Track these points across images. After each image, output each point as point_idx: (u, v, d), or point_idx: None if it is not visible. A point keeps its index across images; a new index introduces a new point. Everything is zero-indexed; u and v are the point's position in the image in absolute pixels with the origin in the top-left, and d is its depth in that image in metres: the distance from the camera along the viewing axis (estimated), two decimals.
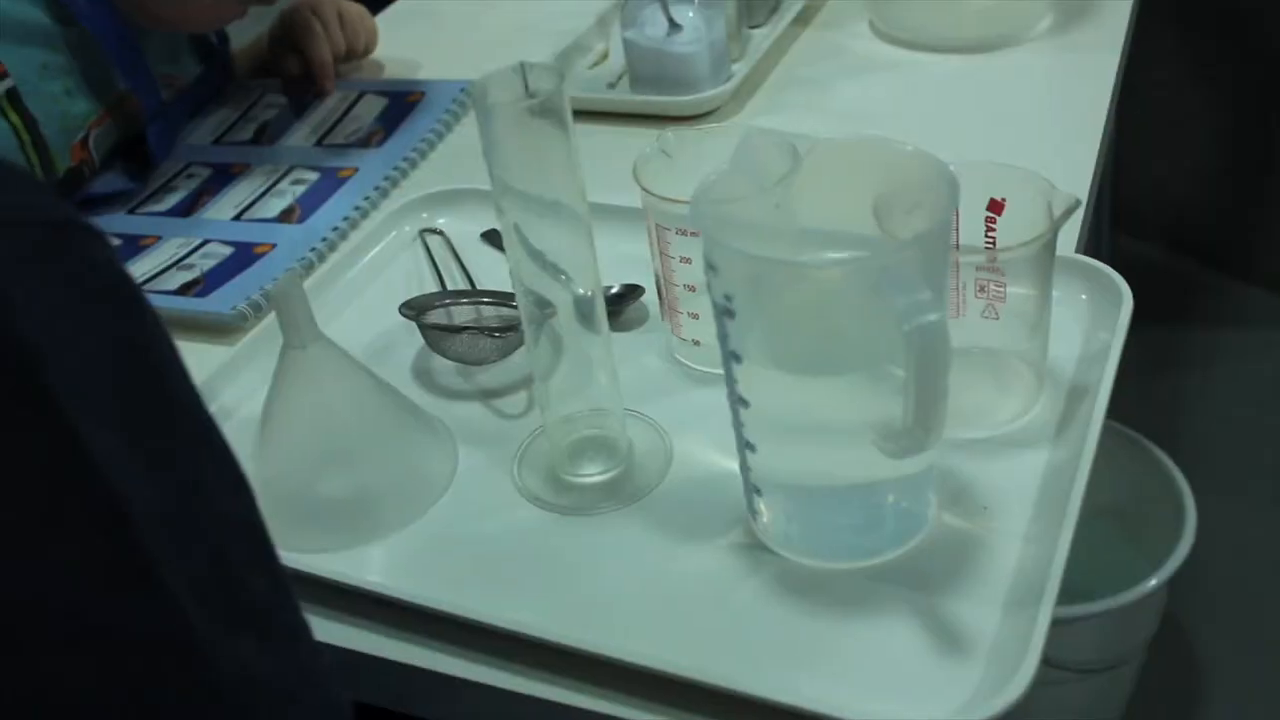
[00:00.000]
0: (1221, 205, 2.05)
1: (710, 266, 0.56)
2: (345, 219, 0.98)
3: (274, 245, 0.95)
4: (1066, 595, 1.26)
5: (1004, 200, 0.68)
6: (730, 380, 0.59)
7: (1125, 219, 2.02)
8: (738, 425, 0.60)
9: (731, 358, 0.58)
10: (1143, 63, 1.86)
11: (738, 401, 0.59)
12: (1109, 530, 1.38)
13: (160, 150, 1.10)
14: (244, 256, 0.95)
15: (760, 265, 0.55)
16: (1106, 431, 1.48)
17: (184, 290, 0.91)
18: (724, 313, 0.57)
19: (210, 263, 0.94)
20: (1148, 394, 1.77)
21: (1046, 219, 0.66)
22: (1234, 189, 2.01)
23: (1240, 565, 1.56)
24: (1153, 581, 1.21)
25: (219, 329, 0.87)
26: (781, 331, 0.58)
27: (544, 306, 0.65)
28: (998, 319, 0.69)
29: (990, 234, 0.69)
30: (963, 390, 0.62)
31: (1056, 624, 1.39)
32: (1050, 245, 0.67)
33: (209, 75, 1.19)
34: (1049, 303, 0.69)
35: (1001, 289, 0.67)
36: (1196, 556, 1.22)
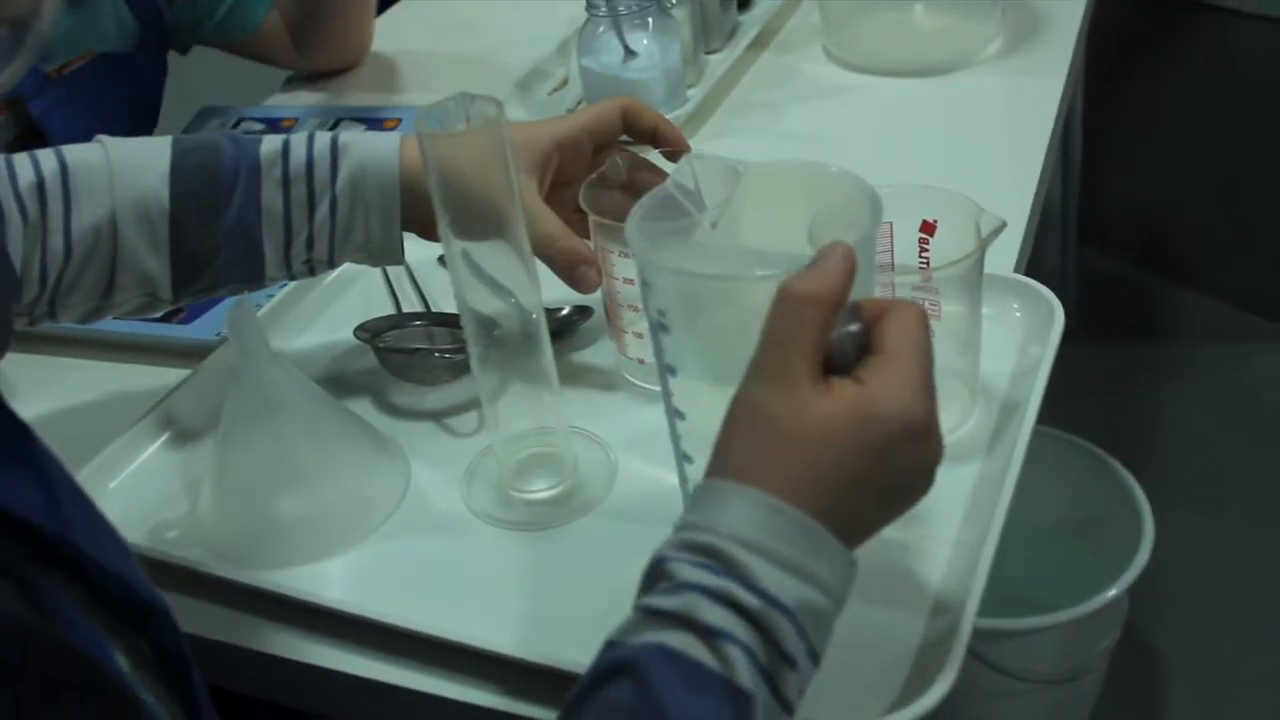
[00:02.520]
0: (1188, 221, 2.08)
1: (644, 283, 0.58)
2: None
3: None
4: (1030, 608, 1.26)
5: (935, 221, 0.70)
6: (666, 394, 0.61)
7: (1092, 234, 2.05)
8: (675, 437, 0.62)
9: (667, 371, 0.60)
10: (1109, 80, 1.90)
11: (674, 414, 0.61)
12: (1072, 545, 1.40)
13: (51, 123, 1.03)
14: None
15: (690, 281, 0.57)
16: (1066, 446, 1.49)
17: (167, 318, 0.92)
18: (659, 328, 0.59)
19: None
20: (1111, 407, 1.79)
21: (976, 239, 0.68)
22: (1200, 205, 2.05)
23: (1200, 573, 1.59)
24: (1112, 591, 1.23)
25: (193, 353, 0.87)
26: (714, 345, 0.60)
27: (490, 328, 0.67)
28: (933, 336, 0.70)
29: (924, 254, 0.71)
30: None
31: (1018, 636, 1.40)
32: (979, 264, 0.69)
33: (142, 43, 1.14)
34: (979, 319, 0.71)
35: (937, 307, 0.70)
36: (1156, 566, 1.24)
